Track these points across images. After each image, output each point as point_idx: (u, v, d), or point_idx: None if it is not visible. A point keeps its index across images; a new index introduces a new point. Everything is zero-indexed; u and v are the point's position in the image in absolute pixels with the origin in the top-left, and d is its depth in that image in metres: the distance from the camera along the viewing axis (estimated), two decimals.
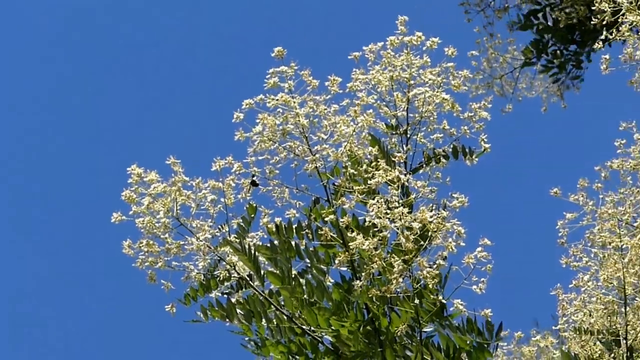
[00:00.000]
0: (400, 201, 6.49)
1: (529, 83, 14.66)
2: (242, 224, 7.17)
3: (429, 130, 7.55)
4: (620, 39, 8.18)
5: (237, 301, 7.20)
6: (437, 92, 7.43)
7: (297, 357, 7.21)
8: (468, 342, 7.18)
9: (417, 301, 6.85)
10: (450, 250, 6.54)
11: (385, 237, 6.45)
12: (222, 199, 7.07)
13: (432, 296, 6.92)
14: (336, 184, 6.95)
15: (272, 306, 7.25)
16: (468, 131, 7.71)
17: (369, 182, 6.63)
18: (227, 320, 7.27)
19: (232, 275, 7.05)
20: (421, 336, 7.12)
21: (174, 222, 6.97)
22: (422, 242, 6.50)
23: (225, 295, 7.29)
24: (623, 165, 7.86)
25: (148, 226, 6.81)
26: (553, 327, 8.39)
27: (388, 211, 6.38)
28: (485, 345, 7.28)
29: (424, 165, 7.61)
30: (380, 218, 6.33)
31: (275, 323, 7.19)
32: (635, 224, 7.79)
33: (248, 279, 7.17)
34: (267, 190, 7.21)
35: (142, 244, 6.84)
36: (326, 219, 6.79)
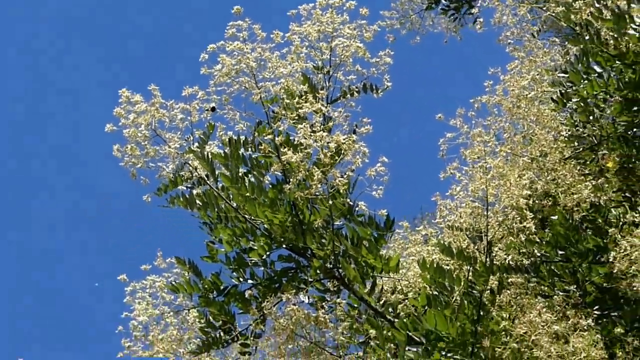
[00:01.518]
0: (322, 126, 8.59)
1: (433, 21, 16.42)
2: (202, 136, 9.25)
3: (346, 70, 9.43)
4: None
5: (196, 194, 9.33)
6: (353, 42, 9.44)
7: (240, 238, 9.30)
8: (369, 233, 9.22)
9: (331, 202, 8.90)
10: (357, 164, 8.63)
11: (309, 153, 8.55)
12: (188, 118, 9.15)
13: (342, 198, 9.01)
14: (275, 111, 9.04)
15: (223, 199, 9.34)
16: (375, 72, 9.67)
17: (299, 110, 8.72)
18: (189, 208, 9.42)
19: (194, 175, 9.19)
20: (333, 228, 9.12)
21: (152, 133, 9.09)
22: (336, 158, 8.58)
23: (188, 189, 9.46)
24: (490, 100, 9.70)
25: (132, 135, 8.92)
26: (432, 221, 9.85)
27: (312, 133, 8.46)
28: (382, 235, 9.34)
29: (341, 98, 9.56)
30: (306, 139, 8.42)
31: (224, 212, 9.33)
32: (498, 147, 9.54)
33: (205, 178, 9.33)
34: (223, 113, 9.18)
35: (127, 149, 8.97)
36: (266, 137, 8.82)
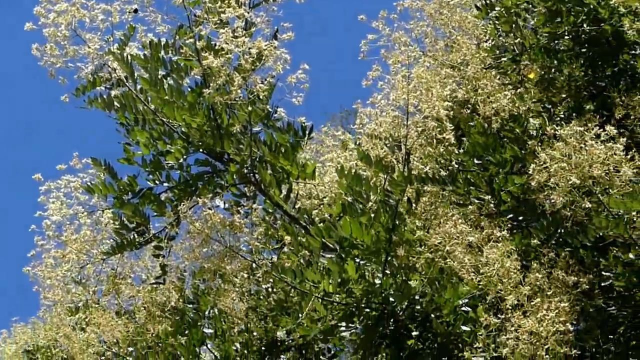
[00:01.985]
0: (243, 31, 8.65)
1: None
2: (123, 38, 9.28)
3: None
4: None
5: (115, 96, 9.35)
6: None
7: (157, 141, 9.35)
8: (286, 140, 9.36)
9: (250, 107, 9.00)
10: (278, 71, 8.72)
11: (230, 58, 8.61)
12: (109, 19, 9.12)
13: (262, 104, 9.13)
14: (197, 14, 8.99)
15: (141, 102, 9.33)
16: None
17: (221, 15, 8.75)
18: (107, 109, 9.41)
19: (113, 77, 9.21)
20: (251, 133, 9.24)
21: (72, 34, 9.07)
22: (257, 64, 8.67)
23: (106, 91, 9.46)
24: (412, 5, 9.69)
25: (52, 35, 8.88)
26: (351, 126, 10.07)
27: (233, 38, 8.52)
28: (299, 142, 9.55)
29: (263, 2, 9.46)
30: (227, 43, 8.49)
31: (142, 115, 9.33)
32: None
33: (124, 80, 9.31)
34: (145, 15, 9.19)
35: (47, 48, 8.94)
36: (187, 40, 8.87)
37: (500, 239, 8.00)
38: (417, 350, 8.54)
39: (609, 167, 7.82)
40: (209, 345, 9.67)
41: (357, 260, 8.42)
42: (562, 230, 8.30)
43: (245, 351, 9.33)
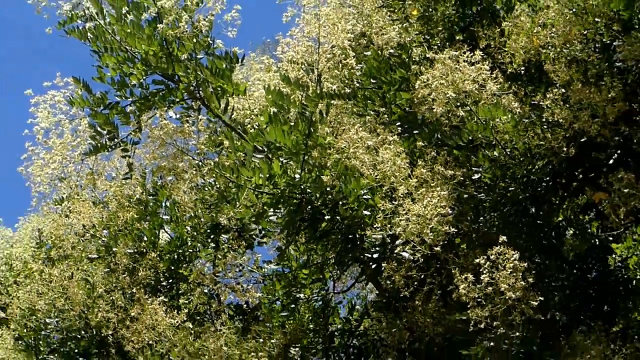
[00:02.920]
0: None
1: None
2: None
3: None
4: None
5: (88, 28, 8.96)
6: None
7: (122, 65, 9.05)
8: (223, 65, 9.10)
9: (194, 40, 8.80)
10: (217, 10, 8.59)
11: None
12: None
13: (204, 37, 8.89)
14: None
15: (109, 33, 9.00)
16: None
17: None
18: (82, 39, 9.10)
19: (87, 13, 8.78)
20: (196, 60, 9.02)
21: None
22: (200, 4, 8.48)
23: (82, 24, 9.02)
24: None
25: None
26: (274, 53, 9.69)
27: None
28: (233, 67, 9.24)
29: None
30: None
31: (110, 44, 8.98)
32: None
33: (95, 15, 8.97)
34: None
35: None
36: None
37: (392, 142, 7.83)
38: (329, 230, 8.44)
39: (477, 83, 7.76)
40: (166, 229, 9.56)
41: (281, 159, 8.11)
42: (441, 134, 8.17)
43: (195, 233, 9.21)
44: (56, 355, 10.18)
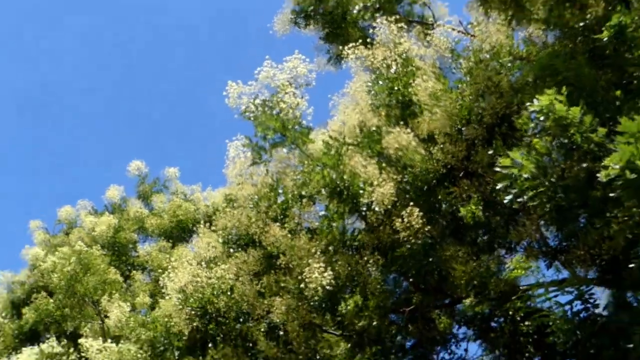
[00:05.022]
0: None
1: None
2: None
3: None
4: None
5: None
6: None
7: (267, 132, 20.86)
8: (306, 131, 20.14)
9: (294, 120, 20.46)
10: None
11: None
12: None
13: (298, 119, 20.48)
14: None
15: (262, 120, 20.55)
16: None
17: None
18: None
19: None
20: (294, 129, 20.37)
21: None
22: None
23: None
24: None
25: None
26: None
27: None
28: (310, 131, 20.95)
29: None
30: None
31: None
32: None
33: None
34: None
35: None
36: None
37: (369, 164, 20.00)
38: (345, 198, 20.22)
39: None
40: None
41: (327, 169, 20.00)
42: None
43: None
44: None
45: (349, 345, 21.66)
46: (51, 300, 29.79)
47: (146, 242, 35.78)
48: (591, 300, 15.20)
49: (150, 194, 38.07)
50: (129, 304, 24.92)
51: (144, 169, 38.62)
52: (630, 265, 14.12)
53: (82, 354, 22.59)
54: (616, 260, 16.78)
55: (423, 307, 20.40)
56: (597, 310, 15.23)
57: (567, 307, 14.99)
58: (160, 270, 27.42)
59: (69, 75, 65.24)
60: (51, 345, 27.67)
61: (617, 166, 12.76)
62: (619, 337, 14.47)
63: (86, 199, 37.62)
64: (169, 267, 21.24)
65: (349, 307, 19.95)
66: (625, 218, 14.26)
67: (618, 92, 15.51)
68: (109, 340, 22.90)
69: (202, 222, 22.16)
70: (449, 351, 22.29)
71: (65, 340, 28.38)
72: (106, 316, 26.03)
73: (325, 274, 17.81)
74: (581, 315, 15.20)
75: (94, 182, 65.89)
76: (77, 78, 66.57)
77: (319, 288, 17.74)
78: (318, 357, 21.13)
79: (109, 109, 66.36)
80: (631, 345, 13.30)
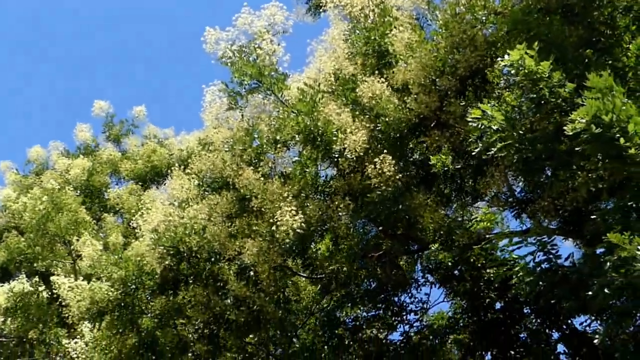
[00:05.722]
0: None
1: None
2: None
3: None
4: None
5: None
6: None
7: (244, 78, 21.24)
8: (283, 77, 20.67)
9: (270, 66, 20.86)
10: None
11: None
12: None
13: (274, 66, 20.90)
14: None
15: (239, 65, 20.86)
16: None
17: None
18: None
19: None
20: (270, 74, 20.94)
21: None
22: None
23: None
24: None
25: None
26: None
27: None
28: (286, 77, 21.38)
29: None
30: None
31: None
32: None
33: None
34: None
35: None
36: None
37: (343, 112, 20.47)
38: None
39: None
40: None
41: (302, 115, 20.46)
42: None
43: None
44: None
45: (318, 288, 22.22)
46: (22, 239, 29.97)
47: (118, 185, 35.99)
48: (553, 251, 15.54)
49: (120, 136, 38.17)
50: (101, 243, 25.26)
51: (109, 109, 38.56)
52: (592, 217, 14.59)
53: (54, 292, 22.89)
54: (579, 212, 17.22)
55: (391, 252, 20.89)
56: (559, 261, 15.50)
57: (529, 258, 15.29)
58: (133, 212, 27.77)
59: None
60: (21, 282, 27.99)
61: (584, 120, 13.20)
62: (579, 288, 14.82)
63: (58, 140, 37.63)
64: (143, 208, 21.63)
65: (319, 251, 20.44)
66: (590, 171, 14.70)
67: (588, 51, 15.86)
68: (81, 279, 23.21)
69: (176, 165, 22.40)
70: (410, 294, 22.98)
71: (37, 278, 28.55)
72: (78, 256, 26.32)
73: (296, 217, 18.28)
74: (543, 266, 15.52)
75: (66, 125, 65.66)
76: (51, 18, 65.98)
77: (290, 231, 18.22)
78: (287, 298, 21.70)
79: (81, 49, 65.90)
80: (590, 293, 13.76)
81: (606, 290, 13.23)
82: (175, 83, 67.62)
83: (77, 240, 25.51)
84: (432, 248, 19.89)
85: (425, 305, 23.59)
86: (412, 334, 23.51)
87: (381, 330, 23.92)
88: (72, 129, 38.32)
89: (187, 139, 35.80)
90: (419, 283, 23.18)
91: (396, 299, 22.89)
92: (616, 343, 14.25)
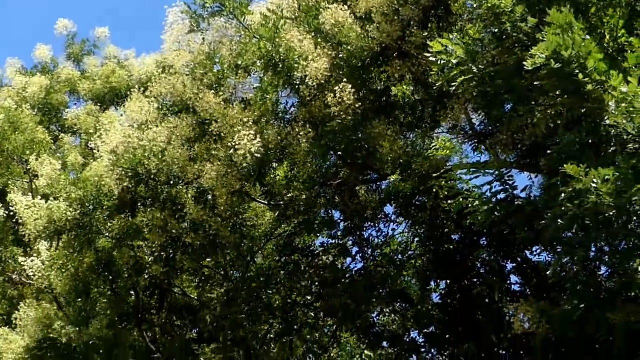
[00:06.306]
0: None
1: None
2: None
3: None
4: None
5: None
6: None
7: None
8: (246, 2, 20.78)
9: None
10: None
11: None
12: None
13: None
14: None
15: None
16: None
17: None
18: None
19: None
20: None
21: None
22: None
23: None
24: None
25: None
26: None
27: None
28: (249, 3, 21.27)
29: None
30: None
31: None
32: None
33: None
34: None
35: None
36: None
37: (305, 39, 20.49)
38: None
39: None
40: None
41: (264, 41, 20.38)
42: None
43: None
44: None
45: (276, 214, 22.44)
46: None
47: (77, 105, 35.69)
48: (510, 182, 15.83)
49: (80, 56, 37.77)
50: (60, 162, 25.19)
51: (72, 28, 38.03)
52: (549, 152, 14.86)
53: (11, 209, 22.89)
54: (536, 146, 17.47)
55: (350, 181, 21.10)
56: (515, 193, 15.79)
57: (486, 188, 15.56)
58: (91, 133, 27.65)
59: None
60: None
61: (544, 55, 13.35)
62: (534, 219, 15.12)
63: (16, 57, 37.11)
64: (101, 129, 21.59)
65: (277, 178, 20.60)
66: (549, 106, 14.87)
67: None
68: (39, 198, 23.22)
69: (136, 87, 22.31)
70: (377, 229, 23.35)
71: None
72: (35, 175, 26.23)
73: (255, 142, 18.38)
74: (499, 196, 15.81)
75: (24, 43, 64.66)
76: None
77: (248, 155, 18.33)
78: (244, 224, 21.89)
79: None
80: (543, 222, 14.08)
81: (559, 221, 13.40)
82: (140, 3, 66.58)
83: (36, 159, 25.31)
84: (392, 178, 20.02)
85: (386, 238, 23.94)
86: (370, 265, 23.87)
87: (337, 257, 24.15)
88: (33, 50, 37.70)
89: (147, 61, 35.44)
90: (387, 217, 23.39)
91: (357, 230, 23.10)
92: (567, 274, 14.46)
